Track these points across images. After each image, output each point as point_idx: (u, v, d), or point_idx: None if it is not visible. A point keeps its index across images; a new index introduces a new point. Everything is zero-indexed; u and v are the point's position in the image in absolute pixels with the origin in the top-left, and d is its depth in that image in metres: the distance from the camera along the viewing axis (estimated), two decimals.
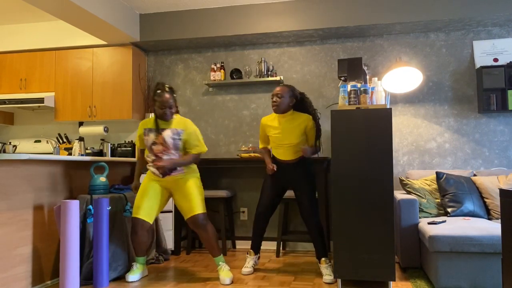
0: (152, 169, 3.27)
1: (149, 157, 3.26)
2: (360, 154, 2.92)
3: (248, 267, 3.46)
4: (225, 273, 3.22)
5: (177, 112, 3.36)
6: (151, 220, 3.27)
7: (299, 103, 3.46)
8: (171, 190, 3.32)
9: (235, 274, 3.47)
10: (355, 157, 2.92)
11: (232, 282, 3.22)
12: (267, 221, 3.51)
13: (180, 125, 3.25)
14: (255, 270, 3.59)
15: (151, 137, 3.21)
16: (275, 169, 3.37)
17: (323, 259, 3.33)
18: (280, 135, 3.38)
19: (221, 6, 4.51)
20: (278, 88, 3.38)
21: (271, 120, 3.47)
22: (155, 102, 3.19)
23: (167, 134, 3.19)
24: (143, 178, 3.40)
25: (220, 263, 3.29)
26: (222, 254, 3.34)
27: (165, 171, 3.22)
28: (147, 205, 3.25)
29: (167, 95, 3.18)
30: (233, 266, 3.73)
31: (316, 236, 3.35)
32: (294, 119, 3.39)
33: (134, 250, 3.36)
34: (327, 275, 3.23)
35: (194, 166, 3.36)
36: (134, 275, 3.27)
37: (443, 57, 4.34)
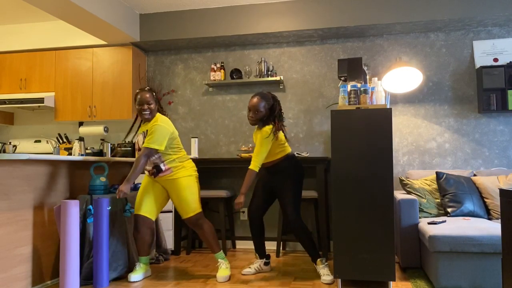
0: (145, 171, 3.35)
1: None
2: (360, 154, 2.92)
3: (251, 268, 3.45)
4: (221, 271, 3.26)
5: (164, 114, 3.35)
6: (153, 217, 3.31)
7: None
8: (166, 189, 3.34)
9: (235, 274, 3.47)
10: (355, 157, 2.92)
11: (227, 280, 3.24)
12: (261, 223, 3.47)
13: (149, 125, 3.23)
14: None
15: (139, 139, 3.29)
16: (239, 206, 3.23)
17: (318, 260, 3.31)
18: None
19: (221, 6, 4.51)
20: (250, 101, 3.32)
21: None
22: (135, 102, 3.25)
23: (140, 139, 3.26)
24: (144, 177, 3.41)
25: (219, 259, 3.32)
26: (221, 250, 3.35)
27: (153, 173, 3.25)
28: (148, 202, 3.29)
29: (146, 94, 3.22)
30: (233, 266, 3.73)
31: (301, 238, 3.29)
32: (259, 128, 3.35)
33: (137, 250, 3.37)
34: (325, 275, 3.21)
35: (187, 164, 3.30)
36: (136, 275, 3.27)
37: (443, 57, 4.34)
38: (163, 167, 3.22)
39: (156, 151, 3.16)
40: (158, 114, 3.28)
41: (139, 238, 3.29)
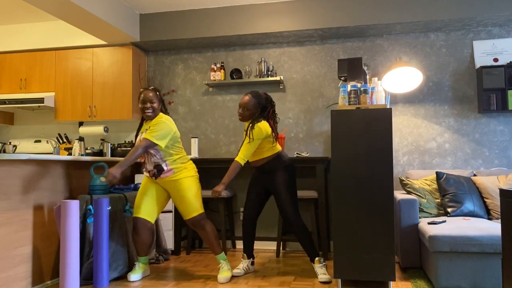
0: (144, 173, 3.31)
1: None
2: (360, 154, 2.92)
3: (240, 268, 3.43)
4: (223, 273, 3.24)
5: (167, 113, 3.35)
6: (152, 220, 3.28)
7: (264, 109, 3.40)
8: (168, 190, 3.32)
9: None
10: (355, 157, 2.92)
11: (228, 281, 3.23)
12: (254, 224, 3.49)
13: (152, 123, 3.21)
14: (255, 270, 3.59)
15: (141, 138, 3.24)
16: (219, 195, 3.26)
17: (316, 259, 3.31)
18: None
19: (221, 6, 4.51)
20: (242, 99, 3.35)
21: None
22: (139, 100, 3.24)
23: (141, 138, 3.21)
24: (143, 178, 3.40)
25: (221, 261, 3.31)
26: (223, 252, 3.34)
27: (154, 174, 3.23)
28: (147, 204, 3.27)
29: (149, 93, 3.22)
30: (233, 266, 3.73)
31: (302, 238, 3.30)
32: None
33: (136, 250, 3.36)
34: (322, 274, 3.22)
35: (188, 164, 3.30)
36: (135, 275, 3.27)
37: (443, 57, 4.34)
38: (165, 168, 3.20)
39: (154, 145, 3.11)
40: (161, 113, 3.28)
41: (138, 240, 3.28)
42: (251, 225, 3.47)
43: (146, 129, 3.22)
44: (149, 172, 3.25)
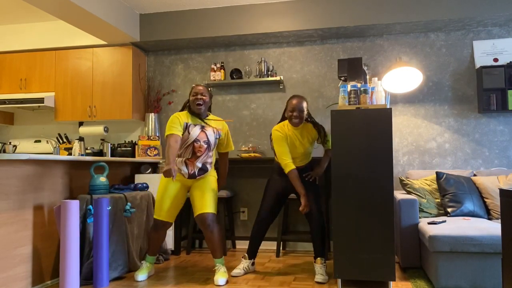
0: (182, 167, 3.23)
1: (181, 155, 3.24)
2: (360, 154, 2.92)
3: (240, 268, 3.43)
4: (220, 274, 3.21)
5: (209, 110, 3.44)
6: (172, 220, 3.32)
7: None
8: (190, 186, 3.33)
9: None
10: (355, 157, 2.92)
11: (226, 283, 3.21)
12: (268, 228, 3.51)
13: (218, 125, 3.33)
14: (255, 270, 3.59)
15: (195, 132, 3.21)
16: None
17: (318, 258, 3.32)
18: (293, 146, 3.43)
19: (221, 6, 4.51)
20: (296, 102, 3.35)
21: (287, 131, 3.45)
22: (190, 94, 3.25)
23: (210, 134, 3.25)
24: (160, 178, 3.38)
25: (218, 264, 3.27)
26: (223, 257, 3.33)
27: (194, 173, 3.23)
28: (169, 206, 3.26)
29: (201, 87, 3.26)
30: (233, 266, 3.73)
31: (318, 236, 3.35)
32: (304, 129, 3.48)
33: (148, 248, 3.37)
34: (320, 274, 3.23)
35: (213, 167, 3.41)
36: (143, 274, 3.29)
37: (443, 57, 4.34)
38: (208, 168, 3.28)
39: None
40: (212, 115, 3.38)
41: (155, 238, 3.31)
42: (264, 228, 3.48)
43: (207, 127, 3.25)
44: (189, 169, 3.21)
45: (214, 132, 3.26)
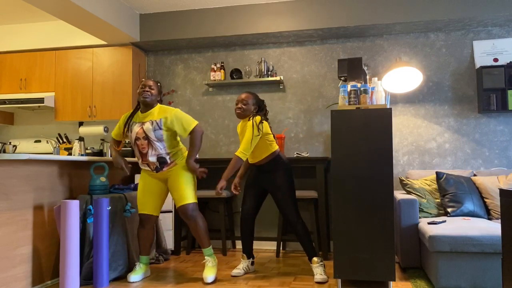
0: (142, 166, 3.28)
1: (136, 156, 3.29)
2: (360, 154, 2.92)
3: (240, 268, 3.43)
4: (208, 270, 3.20)
5: (160, 102, 3.35)
6: (156, 213, 3.33)
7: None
8: (166, 180, 3.32)
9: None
10: (355, 157, 2.92)
11: (215, 280, 3.21)
12: (253, 223, 3.49)
13: (160, 114, 3.20)
14: (255, 270, 3.59)
15: (134, 131, 3.18)
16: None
17: (314, 258, 3.30)
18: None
19: (221, 6, 4.51)
20: (240, 95, 3.41)
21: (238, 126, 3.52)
22: (138, 89, 3.25)
23: (147, 127, 3.15)
24: (140, 177, 3.39)
25: (206, 256, 3.26)
26: (211, 246, 3.30)
27: (156, 167, 3.21)
28: (150, 200, 3.29)
29: (150, 81, 3.24)
30: (233, 266, 3.73)
31: (304, 238, 3.30)
32: (245, 125, 3.42)
33: (139, 248, 3.36)
34: (318, 274, 3.22)
35: (185, 155, 3.31)
36: (136, 275, 3.27)
37: (443, 57, 4.34)
38: (168, 160, 3.21)
39: (201, 134, 3.26)
40: (159, 106, 3.26)
41: (144, 234, 3.31)
42: (249, 224, 3.48)
43: (144, 122, 3.16)
44: (149, 165, 3.22)
45: (152, 125, 3.15)
